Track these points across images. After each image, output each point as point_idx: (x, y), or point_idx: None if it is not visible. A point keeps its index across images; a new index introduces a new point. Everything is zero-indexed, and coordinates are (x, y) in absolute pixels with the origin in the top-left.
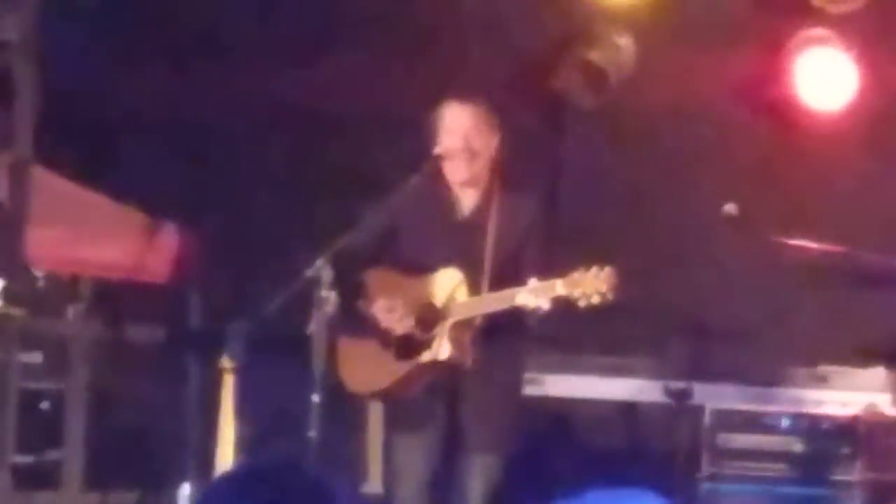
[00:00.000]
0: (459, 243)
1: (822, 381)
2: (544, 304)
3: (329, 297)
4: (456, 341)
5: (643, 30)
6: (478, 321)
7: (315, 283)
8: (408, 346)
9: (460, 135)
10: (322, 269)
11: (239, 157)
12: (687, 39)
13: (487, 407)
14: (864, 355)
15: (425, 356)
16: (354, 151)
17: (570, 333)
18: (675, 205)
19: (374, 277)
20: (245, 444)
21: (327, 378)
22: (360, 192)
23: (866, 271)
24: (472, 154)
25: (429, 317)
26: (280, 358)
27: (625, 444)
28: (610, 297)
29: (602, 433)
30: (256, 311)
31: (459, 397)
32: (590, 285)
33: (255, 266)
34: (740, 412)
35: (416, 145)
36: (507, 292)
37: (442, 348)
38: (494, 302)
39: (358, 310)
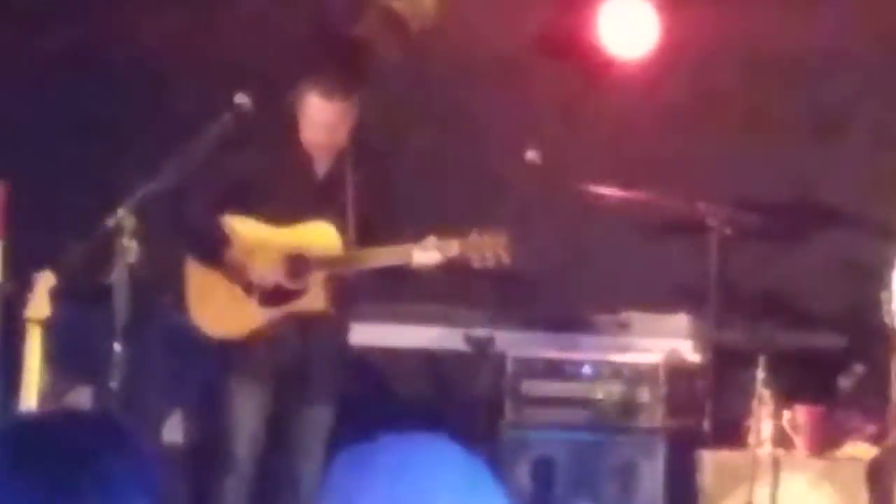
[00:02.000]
0: (320, 200)
1: (624, 327)
2: (437, 261)
3: (131, 246)
4: (329, 292)
5: None
6: (351, 274)
7: (117, 232)
8: (275, 294)
9: (323, 130)
10: (124, 217)
11: (42, 107)
12: None
13: (333, 358)
14: (667, 301)
15: (298, 304)
16: (159, 102)
17: (370, 282)
18: (478, 153)
19: (239, 226)
20: (50, 396)
21: (131, 326)
22: (163, 140)
23: (669, 217)
24: (333, 145)
25: (299, 267)
26: (85, 308)
27: (427, 393)
28: (506, 260)
29: (404, 382)
30: (61, 262)
31: (308, 348)
32: (488, 248)
33: (58, 216)
34: (542, 359)
35: (221, 95)
36: (403, 247)
37: (317, 298)
38: (389, 256)
39: (219, 255)
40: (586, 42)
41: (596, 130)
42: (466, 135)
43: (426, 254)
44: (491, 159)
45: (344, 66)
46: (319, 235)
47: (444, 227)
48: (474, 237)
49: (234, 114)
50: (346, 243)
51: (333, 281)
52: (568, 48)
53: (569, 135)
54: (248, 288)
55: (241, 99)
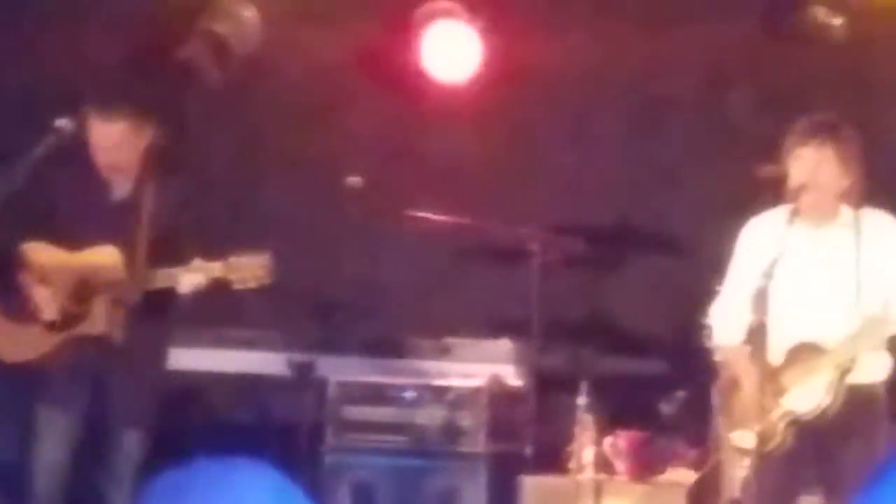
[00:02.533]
0: (114, 224)
1: (446, 352)
2: (202, 283)
3: None
4: (110, 316)
5: (268, 2)
6: (133, 298)
7: None
8: (61, 318)
9: (103, 151)
10: None
11: None
12: (313, 13)
13: (135, 382)
14: (489, 327)
15: (80, 329)
16: None
17: (194, 306)
18: (301, 177)
19: (32, 249)
20: None
21: None
22: None
23: (492, 243)
24: (119, 167)
25: (83, 291)
26: None
27: (248, 417)
28: (267, 281)
29: (225, 406)
30: None
31: (107, 373)
32: (248, 270)
33: None
34: (364, 384)
35: (41, 120)
36: (170, 271)
37: (97, 322)
38: (158, 279)
39: (12, 279)
40: (410, 66)
41: (419, 155)
42: (286, 158)
43: (192, 276)
44: (309, 184)
45: (166, 89)
46: (105, 258)
47: (247, 250)
48: (234, 259)
49: (56, 137)
50: (133, 266)
51: (119, 304)
52: (391, 72)
53: (391, 160)
54: (35, 314)
55: (63, 123)
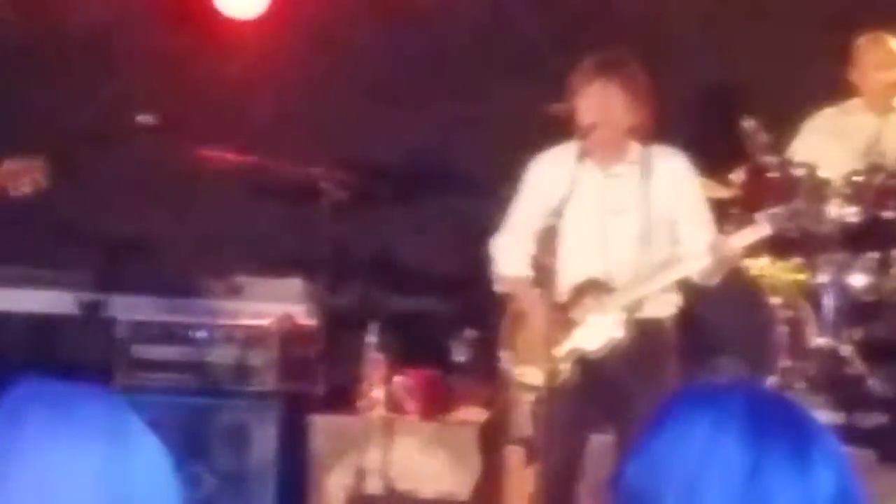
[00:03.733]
0: None
1: (237, 291)
2: None
3: None
4: None
5: None
6: None
7: None
8: None
9: None
10: None
11: None
12: None
13: None
14: (280, 266)
15: None
16: None
17: None
18: (90, 114)
19: None
20: None
21: None
22: None
23: (282, 182)
24: None
25: None
26: None
27: (35, 357)
28: (42, 186)
29: (12, 346)
30: None
31: None
32: (22, 173)
33: None
34: (154, 323)
35: None
36: None
37: None
38: None
39: None
40: (199, 3)
41: (210, 93)
42: (76, 91)
43: None
44: (99, 121)
45: None
46: None
47: None
48: (8, 164)
49: None
50: None
51: None
52: (180, 6)
53: (182, 97)
54: None
55: None
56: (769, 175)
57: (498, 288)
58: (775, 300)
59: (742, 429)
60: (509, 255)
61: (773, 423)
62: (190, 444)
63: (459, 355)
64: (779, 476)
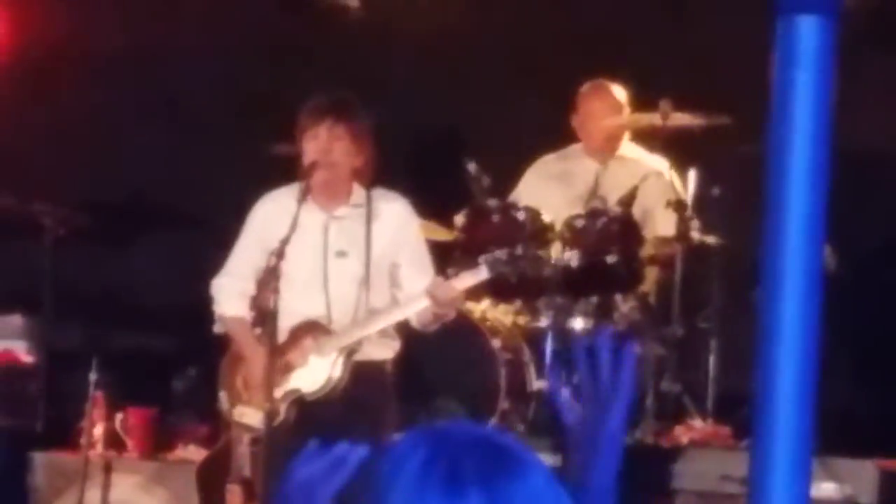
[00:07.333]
0: None
1: None
2: None
3: None
4: None
5: None
6: None
7: None
8: None
9: None
10: None
11: None
12: None
13: None
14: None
15: None
16: None
17: None
18: None
19: None
20: None
21: None
22: None
23: (4, 217)
24: None
25: None
26: None
27: None
28: None
29: None
30: None
31: None
32: None
33: None
34: None
35: None
36: None
37: None
38: None
39: None
40: None
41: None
42: None
43: None
44: None
45: None
46: None
47: None
48: None
49: None
50: None
51: None
52: None
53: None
54: None
55: None
56: (492, 218)
57: (217, 328)
58: (496, 343)
59: (443, 478)
60: (228, 296)
61: (473, 474)
62: None
63: (181, 393)
64: None
